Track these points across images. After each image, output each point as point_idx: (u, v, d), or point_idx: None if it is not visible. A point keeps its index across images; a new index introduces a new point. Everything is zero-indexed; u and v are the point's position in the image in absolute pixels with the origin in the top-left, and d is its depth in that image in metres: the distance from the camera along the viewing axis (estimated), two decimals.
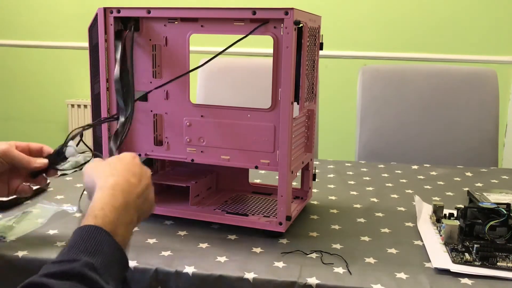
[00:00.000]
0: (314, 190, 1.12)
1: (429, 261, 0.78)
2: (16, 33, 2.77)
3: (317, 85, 0.98)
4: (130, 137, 0.92)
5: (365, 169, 1.33)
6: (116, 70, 0.86)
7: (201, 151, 0.88)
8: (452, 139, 1.63)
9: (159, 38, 0.88)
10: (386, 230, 0.92)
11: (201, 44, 2.44)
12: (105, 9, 0.88)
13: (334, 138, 2.38)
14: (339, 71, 2.44)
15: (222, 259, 0.78)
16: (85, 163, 0.81)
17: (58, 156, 0.83)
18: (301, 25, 0.81)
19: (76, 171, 1.24)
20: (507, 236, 0.82)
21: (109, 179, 0.64)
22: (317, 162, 1.39)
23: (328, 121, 2.25)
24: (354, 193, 1.13)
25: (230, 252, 0.80)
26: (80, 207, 0.97)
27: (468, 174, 1.31)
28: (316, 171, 1.10)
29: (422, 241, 0.86)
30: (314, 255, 0.80)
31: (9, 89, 2.91)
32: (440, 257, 0.79)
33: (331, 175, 1.27)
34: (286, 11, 0.78)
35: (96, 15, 0.88)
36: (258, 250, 0.81)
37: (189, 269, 0.74)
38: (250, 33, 0.82)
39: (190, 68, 0.87)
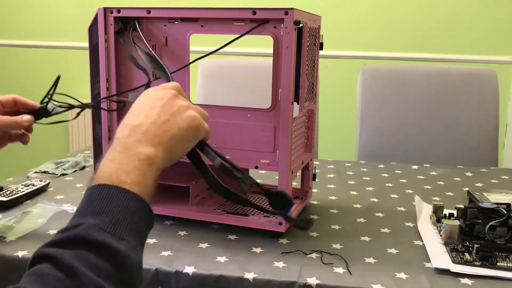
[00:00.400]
0: (314, 190, 1.12)
1: (429, 261, 0.78)
2: (16, 33, 2.77)
3: (317, 85, 0.98)
4: None
5: (365, 169, 1.33)
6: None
7: None
8: (452, 139, 1.63)
9: (159, 38, 0.88)
10: (386, 230, 0.91)
11: (201, 44, 2.44)
12: (105, 9, 0.88)
13: (334, 138, 2.38)
14: (339, 71, 2.44)
15: (222, 259, 0.78)
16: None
17: (42, 111, 0.83)
18: (301, 25, 0.81)
19: (76, 171, 1.24)
20: (507, 236, 0.82)
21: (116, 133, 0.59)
22: (317, 162, 1.39)
23: (328, 121, 2.25)
24: (354, 193, 1.13)
25: (230, 252, 0.80)
26: None
27: (468, 174, 1.31)
28: (316, 171, 1.10)
29: (422, 241, 0.86)
30: (314, 255, 0.80)
31: (9, 89, 2.91)
32: (440, 257, 0.79)
33: (331, 175, 1.27)
34: (286, 11, 0.78)
35: (96, 15, 0.88)
36: (258, 250, 0.81)
37: (189, 269, 0.74)
38: (249, 31, 0.82)
39: (188, 67, 0.87)
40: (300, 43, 0.82)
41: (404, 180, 1.24)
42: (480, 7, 2.34)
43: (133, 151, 0.55)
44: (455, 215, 0.93)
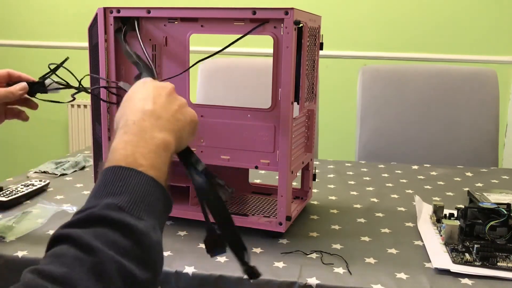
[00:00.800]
0: (314, 190, 1.12)
1: (429, 261, 0.78)
2: (16, 33, 2.77)
3: (317, 85, 0.98)
4: None
5: (365, 169, 1.33)
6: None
7: (201, 151, 0.88)
8: (452, 139, 1.63)
9: (159, 38, 0.88)
10: (386, 230, 0.91)
11: (201, 44, 2.44)
12: (105, 9, 0.88)
13: (334, 138, 2.38)
14: (339, 71, 2.44)
15: (222, 259, 0.78)
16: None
17: (38, 85, 0.83)
18: (301, 25, 0.81)
19: (76, 171, 1.24)
20: (507, 236, 0.82)
21: (117, 119, 0.59)
22: (317, 162, 1.39)
23: (328, 121, 2.25)
24: (354, 193, 1.13)
25: (230, 252, 0.80)
26: None
27: (468, 174, 1.31)
28: (316, 171, 1.10)
29: (422, 241, 0.86)
30: (314, 255, 0.80)
31: None
32: (440, 257, 0.79)
33: (331, 175, 1.27)
34: (286, 11, 0.78)
35: (96, 15, 0.88)
36: (258, 250, 0.81)
37: (189, 269, 0.74)
38: (250, 32, 0.82)
39: (189, 67, 0.87)
40: (300, 43, 0.82)
41: (404, 180, 1.24)
42: (480, 7, 2.34)
43: (149, 134, 0.54)
44: (455, 215, 0.93)
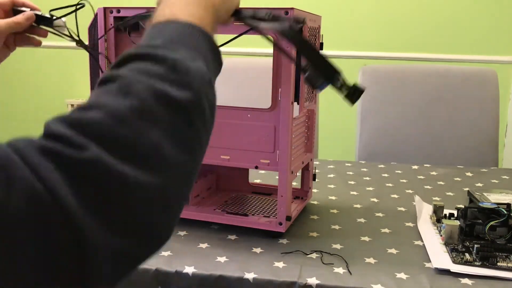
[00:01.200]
0: (314, 190, 1.12)
1: (429, 261, 0.78)
2: None
3: None
4: None
5: (365, 169, 1.33)
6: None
7: None
8: (452, 139, 1.63)
9: None
10: (386, 230, 0.91)
11: None
12: (105, 9, 0.88)
13: (334, 138, 2.38)
14: None
15: (222, 259, 0.78)
16: None
17: (44, 18, 0.81)
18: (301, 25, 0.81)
19: None
20: (507, 236, 0.82)
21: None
22: (317, 162, 1.39)
23: (328, 121, 2.25)
24: (354, 193, 1.13)
25: (230, 252, 0.80)
26: None
27: (468, 174, 1.31)
28: (316, 171, 1.10)
29: (422, 241, 0.86)
30: (314, 255, 0.80)
31: (9, 88, 2.91)
32: (440, 257, 0.78)
33: (331, 175, 1.27)
34: (286, 11, 0.78)
35: (96, 15, 0.88)
36: (258, 250, 0.81)
37: (189, 269, 0.74)
38: (247, 31, 0.81)
39: None
40: None
41: (404, 180, 1.24)
42: (480, 7, 2.34)
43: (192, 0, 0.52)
44: (455, 215, 0.93)
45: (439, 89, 1.65)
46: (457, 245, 0.82)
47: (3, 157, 0.33)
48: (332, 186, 1.18)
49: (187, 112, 0.42)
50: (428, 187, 1.20)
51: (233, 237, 0.86)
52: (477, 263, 0.76)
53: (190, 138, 0.43)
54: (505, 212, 0.84)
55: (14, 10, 0.81)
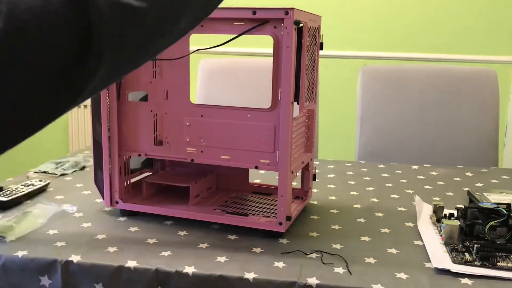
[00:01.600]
0: (314, 190, 1.12)
1: (429, 261, 0.78)
2: None
3: (317, 85, 0.98)
4: (130, 137, 0.92)
5: (365, 169, 1.33)
6: None
7: (201, 151, 0.88)
8: (452, 139, 1.63)
9: None
10: (386, 230, 0.91)
11: (201, 44, 2.43)
12: None
13: (334, 138, 2.38)
14: (339, 71, 2.44)
15: (222, 259, 0.78)
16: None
17: None
18: (301, 25, 0.81)
19: (76, 171, 1.24)
20: (507, 236, 0.82)
21: None
22: (317, 162, 1.39)
23: (328, 121, 2.25)
24: (354, 193, 1.13)
25: (230, 252, 0.80)
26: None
27: (468, 174, 1.31)
28: (316, 171, 1.10)
29: (422, 241, 0.86)
30: (314, 255, 0.80)
31: None
32: (440, 257, 0.79)
33: (331, 175, 1.27)
34: (286, 11, 0.78)
35: None
36: (258, 250, 0.81)
37: (189, 269, 0.74)
38: (249, 30, 0.81)
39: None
40: (300, 43, 0.82)
41: (404, 180, 1.24)
42: (480, 7, 2.34)
43: None
44: (455, 215, 0.93)
45: (439, 89, 1.65)
46: (457, 245, 0.82)
47: None
48: (332, 186, 1.18)
49: None
50: (428, 187, 1.20)
51: (233, 237, 0.86)
52: (477, 263, 0.76)
53: None
54: (505, 212, 0.84)
55: None
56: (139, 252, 0.79)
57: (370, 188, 1.17)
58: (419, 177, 1.28)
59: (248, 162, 0.87)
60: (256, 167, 0.86)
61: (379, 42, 2.44)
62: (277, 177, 0.84)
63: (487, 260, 0.76)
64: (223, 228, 0.89)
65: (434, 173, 1.31)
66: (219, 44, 0.84)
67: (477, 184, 1.22)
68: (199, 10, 0.48)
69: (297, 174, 0.92)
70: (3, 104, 0.36)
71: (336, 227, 0.92)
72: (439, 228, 0.89)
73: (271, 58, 0.82)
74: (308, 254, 0.80)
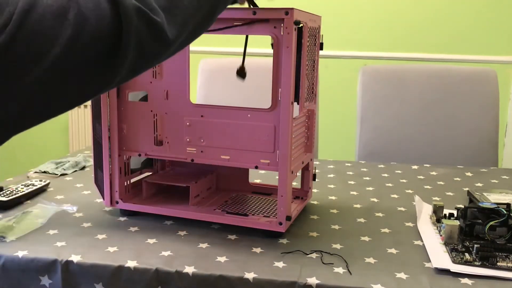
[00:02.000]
0: (314, 190, 1.12)
1: (429, 261, 0.78)
2: None
3: (317, 85, 0.98)
4: (130, 137, 0.92)
5: (365, 169, 1.33)
6: None
7: (201, 151, 0.89)
8: (452, 139, 1.63)
9: None
10: (386, 230, 0.91)
11: (201, 44, 2.43)
12: None
13: (334, 138, 2.38)
14: (339, 71, 2.44)
15: (222, 259, 0.78)
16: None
17: None
18: (301, 25, 0.81)
19: (76, 171, 1.24)
20: (507, 236, 0.82)
21: None
22: (317, 162, 1.39)
23: (328, 121, 2.25)
24: (354, 193, 1.13)
25: (230, 252, 0.80)
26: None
27: (468, 174, 1.31)
28: (316, 171, 1.10)
29: (422, 241, 0.86)
30: (314, 255, 0.80)
31: None
32: (440, 257, 0.79)
33: (331, 175, 1.27)
34: (286, 11, 0.78)
35: None
36: (258, 250, 0.81)
37: (189, 269, 0.74)
38: (249, 23, 0.81)
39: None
40: (300, 43, 0.82)
41: (404, 180, 1.24)
42: (480, 7, 2.34)
43: None
44: (455, 215, 0.93)
45: (439, 89, 1.65)
46: (457, 245, 0.82)
47: None
48: (332, 186, 1.18)
49: None
50: (428, 187, 1.20)
51: (233, 237, 0.86)
52: (477, 263, 0.76)
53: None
54: (505, 212, 0.84)
55: None
56: (139, 252, 0.79)
57: (370, 188, 1.17)
58: (419, 177, 1.28)
59: (248, 162, 0.87)
60: (256, 167, 0.86)
61: (379, 42, 2.44)
62: (277, 177, 0.84)
63: (487, 260, 0.76)
64: (223, 228, 0.89)
65: (434, 173, 1.31)
66: (221, 28, 0.84)
67: (477, 184, 1.22)
68: (201, 25, 0.59)
69: (297, 174, 0.92)
70: (68, 80, 0.47)
71: (336, 227, 0.93)
72: (439, 228, 0.89)
73: (271, 58, 0.82)
74: (308, 254, 0.80)
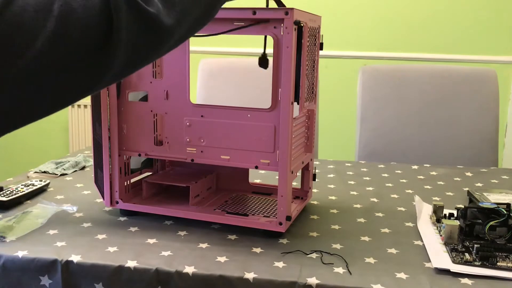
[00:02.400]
0: (314, 190, 1.12)
1: (429, 261, 0.78)
2: None
3: (317, 85, 0.98)
4: (130, 137, 0.92)
5: (365, 169, 1.33)
6: None
7: (201, 151, 0.89)
8: (452, 139, 1.63)
9: None
10: (386, 230, 0.91)
11: (201, 44, 2.44)
12: None
13: (334, 138, 2.38)
14: (339, 71, 2.44)
15: (222, 259, 0.78)
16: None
17: None
18: (301, 25, 0.81)
19: (76, 171, 1.24)
20: (507, 236, 0.82)
21: None
22: (317, 162, 1.39)
23: (328, 121, 2.25)
24: (354, 193, 1.13)
25: (230, 252, 0.80)
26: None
27: (468, 174, 1.31)
28: (316, 171, 1.10)
29: (422, 241, 0.86)
30: (314, 255, 0.80)
31: None
32: (440, 257, 0.79)
33: (331, 175, 1.27)
34: (286, 11, 0.78)
35: None
36: (258, 250, 0.81)
37: (189, 269, 0.74)
38: (249, 25, 0.81)
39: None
40: (300, 43, 0.82)
41: (404, 180, 1.24)
42: (480, 7, 2.34)
43: None
44: (455, 215, 0.93)
45: (439, 89, 1.65)
46: (457, 245, 0.82)
47: None
48: (332, 186, 1.18)
49: None
50: (428, 187, 1.20)
51: (233, 237, 0.86)
52: (477, 263, 0.76)
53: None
54: (505, 212, 0.84)
55: None
56: (139, 252, 0.79)
57: (370, 188, 1.17)
58: (419, 177, 1.28)
59: (248, 162, 0.87)
60: (256, 167, 0.86)
61: (379, 42, 2.44)
62: (277, 177, 0.84)
63: (487, 260, 0.76)
64: (223, 228, 0.89)
65: (434, 173, 1.31)
66: (220, 32, 0.84)
67: (477, 184, 1.22)
68: (200, 19, 0.56)
69: (297, 174, 0.92)
70: (57, 72, 0.44)
71: (336, 227, 0.93)
72: (439, 228, 0.89)
73: (271, 58, 0.82)
74: (308, 254, 0.80)
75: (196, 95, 1.73)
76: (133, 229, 0.89)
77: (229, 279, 0.73)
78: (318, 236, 0.88)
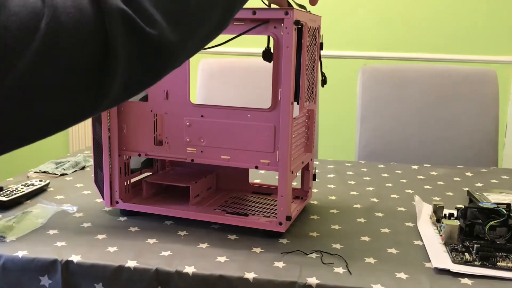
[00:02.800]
0: (314, 190, 1.12)
1: (429, 261, 0.78)
2: None
3: (317, 85, 0.98)
4: (130, 137, 0.92)
5: (365, 169, 1.33)
6: None
7: (201, 151, 0.89)
8: (452, 139, 1.63)
9: None
10: (386, 230, 0.91)
11: None
12: None
13: (334, 138, 2.38)
14: (339, 71, 2.44)
15: (222, 259, 0.78)
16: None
17: None
18: (301, 25, 0.81)
19: (76, 171, 1.24)
20: (507, 236, 0.82)
21: None
22: (317, 162, 1.39)
23: (328, 121, 2.25)
24: (354, 193, 1.13)
25: (230, 252, 0.80)
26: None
27: (468, 174, 1.31)
28: (316, 171, 1.10)
29: (422, 241, 0.86)
30: (314, 255, 0.80)
31: None
32: (440, 257, 0.79)
33: (331, 175, 1.27)
34: (286, 11, 0.78)
35: None
36: (258, 250, 0.81)
37: (189, 269, 0.74)
38: (250, 30, 0.81)
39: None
40: (300, 43, 0.82)
41: (404, 180, 1.24)
42: (480, 7, 2.34)
43: None
44: (455, 215, 0.93)
45: (439, 89, 1.66)
46: (457, 245, 0.82)
47: None
48: (332, 186, 1.18)
49: None
50: (428, 187, 1.20)
51: (233, 237, 0.86)
52: (477, 263, 0.76)
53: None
54: (505, 212, 0.84)
55: None
56: (139, 252, 0.79)
57: (370, 188, 1.17)
58: (419, 177, 1.28)
59: (248, 162, 0.87)
60: (256, 167, 0.86)
61: (379, 42, 2.44)
62: (277, 177, 0.84)
63: (487, 260, 0.76)
64: (223, 228, 0.89)
65: (434, 173, 1.31)
66: (219, 43, 0.84)
67: (477, 184, 1.22)
68: (210, 35, 0.51)
69: (297, 174, 0.92)
70: (43, 98, 0.40)
71: (336, 227, 0.92)
72: (439, 228, 0.89)
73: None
74: (308, 254, 0.80)
75: (196, 95, 1.73)
76: (133, 229, 0.89)
77: (229, 279, 0.73)
78: (318, 236, 0.88)
